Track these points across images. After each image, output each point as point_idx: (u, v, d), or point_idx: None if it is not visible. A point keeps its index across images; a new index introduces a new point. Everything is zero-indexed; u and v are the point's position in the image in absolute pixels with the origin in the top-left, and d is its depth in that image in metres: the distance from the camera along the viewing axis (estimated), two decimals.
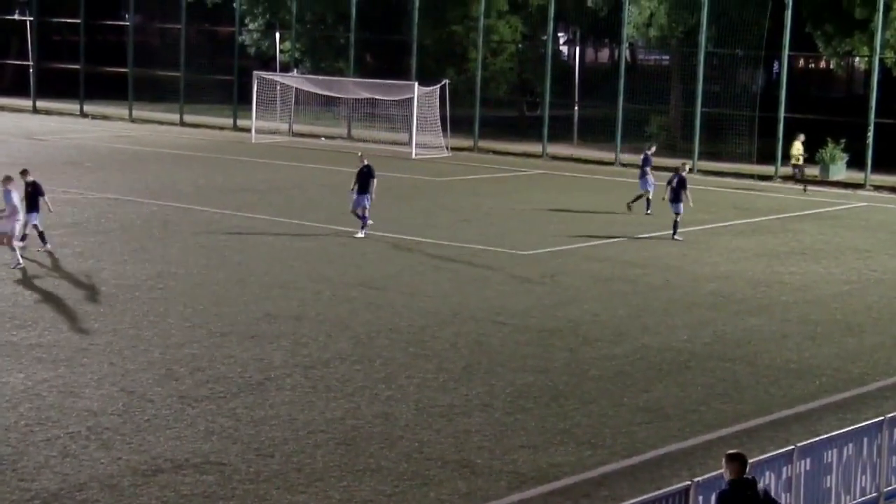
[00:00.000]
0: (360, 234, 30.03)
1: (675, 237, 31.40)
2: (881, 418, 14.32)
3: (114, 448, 15.24)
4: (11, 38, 71.53)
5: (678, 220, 31.48)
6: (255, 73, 54.80)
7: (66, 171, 41.25)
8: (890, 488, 14.42)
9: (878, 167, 45.22)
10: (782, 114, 46.32)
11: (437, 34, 57.31)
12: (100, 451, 15.13)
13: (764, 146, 47.15)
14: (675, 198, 31.45)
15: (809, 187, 42.42)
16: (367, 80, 53.91)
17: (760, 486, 11.11)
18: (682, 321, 22.98)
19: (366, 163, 30.61)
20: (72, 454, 15.00)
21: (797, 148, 42.09)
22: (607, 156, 49.70)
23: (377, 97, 53.08)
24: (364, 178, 30.25)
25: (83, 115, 62.01)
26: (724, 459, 10.91)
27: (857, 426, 14.37)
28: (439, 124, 50.48)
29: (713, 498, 11.49)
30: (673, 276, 27.07)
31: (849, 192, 43.74)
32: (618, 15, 51.21)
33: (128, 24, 64.37)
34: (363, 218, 30.24)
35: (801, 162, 42.35)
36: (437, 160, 48.55)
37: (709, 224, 34.47)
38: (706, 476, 12.02)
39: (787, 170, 44.15)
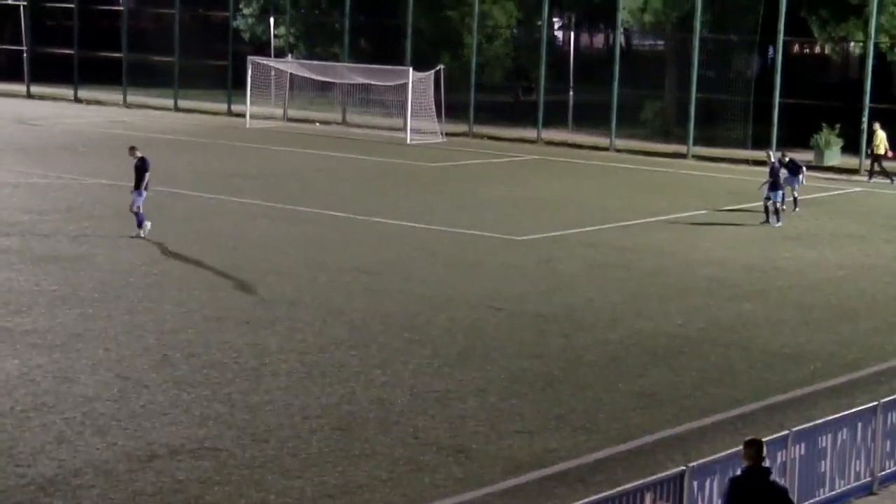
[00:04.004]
0: (140, 234, 27.27)
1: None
2: (875, 403, 14.38)
3: (109, 434, 15.25)
4: (5, 22, 71.22)
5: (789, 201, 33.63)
6: (249, 58, 54.63)
7: (60, 156, 41.19)
8: (884, 473, 14.47)
9: None
10: (777, 99, 46.26)
11: (432, 19, 57.15)
12: (95, 436, 15.14)
13: (759, 131, 47.12)
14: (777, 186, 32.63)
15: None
16: (361, 66, 53.74)
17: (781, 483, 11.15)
18: (677, 306, 22.99)
19: (139, 155, 27.81)
20: (67, 440, 15.01)
21: (880, 138, 41.90)
22: (602, 141, 49.64)
23: (372, 82, 52.92)
24: (138, 173, 27.58)
25: (77, 100, 61.82)
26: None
27: (851, 411, 14.42)
28: (434, 110, 50.34)
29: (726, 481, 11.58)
30: (667, 262, 27.08)
31: (843, 177, 43.74)
32: (612, 0, 51.15)
33: (122, 9, 64.16)
34: (137, 215, 27.41)
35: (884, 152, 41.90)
36: (431, 146, 48.49)
37: (703, 209, 34.50)
38: (701, 461, 12.05)
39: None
